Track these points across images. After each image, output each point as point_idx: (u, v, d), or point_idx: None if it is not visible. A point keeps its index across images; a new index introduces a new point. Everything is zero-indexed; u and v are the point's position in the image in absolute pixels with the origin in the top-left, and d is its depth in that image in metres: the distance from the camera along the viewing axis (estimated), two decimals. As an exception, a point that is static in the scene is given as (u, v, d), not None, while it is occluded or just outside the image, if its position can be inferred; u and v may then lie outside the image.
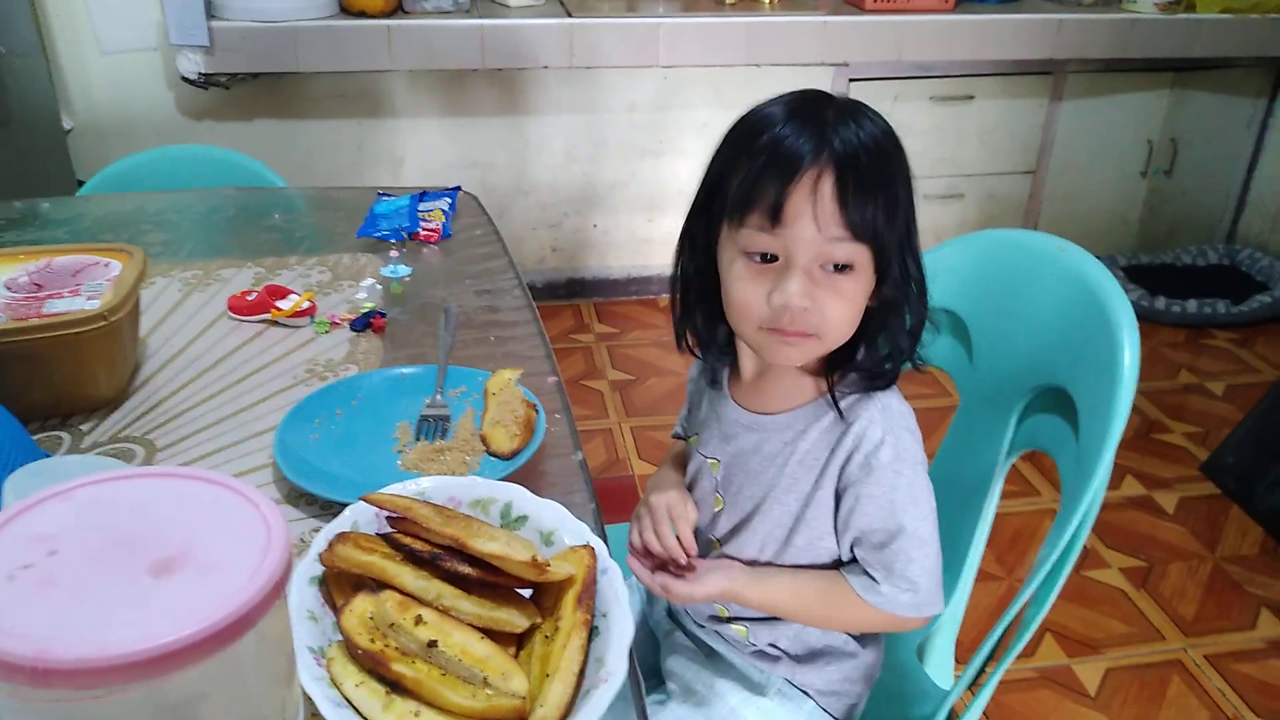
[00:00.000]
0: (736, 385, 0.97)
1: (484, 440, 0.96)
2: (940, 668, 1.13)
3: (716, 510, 0.97)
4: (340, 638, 0.67)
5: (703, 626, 1.03)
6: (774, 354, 0.87)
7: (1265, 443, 2.28)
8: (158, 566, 0.46)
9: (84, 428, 1.01)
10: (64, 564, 0.46)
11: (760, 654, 0.99)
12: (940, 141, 3.13)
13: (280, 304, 1.23)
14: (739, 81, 2.94)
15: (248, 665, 0.48)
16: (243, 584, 0.46)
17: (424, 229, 1.48)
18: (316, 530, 0.85)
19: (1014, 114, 3.14)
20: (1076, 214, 3.36)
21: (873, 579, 0.90)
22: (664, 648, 1.08)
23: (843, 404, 0.89)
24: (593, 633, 0.69)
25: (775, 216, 0.80)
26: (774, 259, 0.83)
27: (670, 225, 3.15)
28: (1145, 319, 3.11)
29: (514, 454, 0.94)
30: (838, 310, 0.83)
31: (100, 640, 0.42)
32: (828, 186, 0.79)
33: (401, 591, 0.69)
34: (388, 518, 0.74)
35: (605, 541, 0.80)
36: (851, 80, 2.94)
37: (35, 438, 0.96)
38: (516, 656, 0.69)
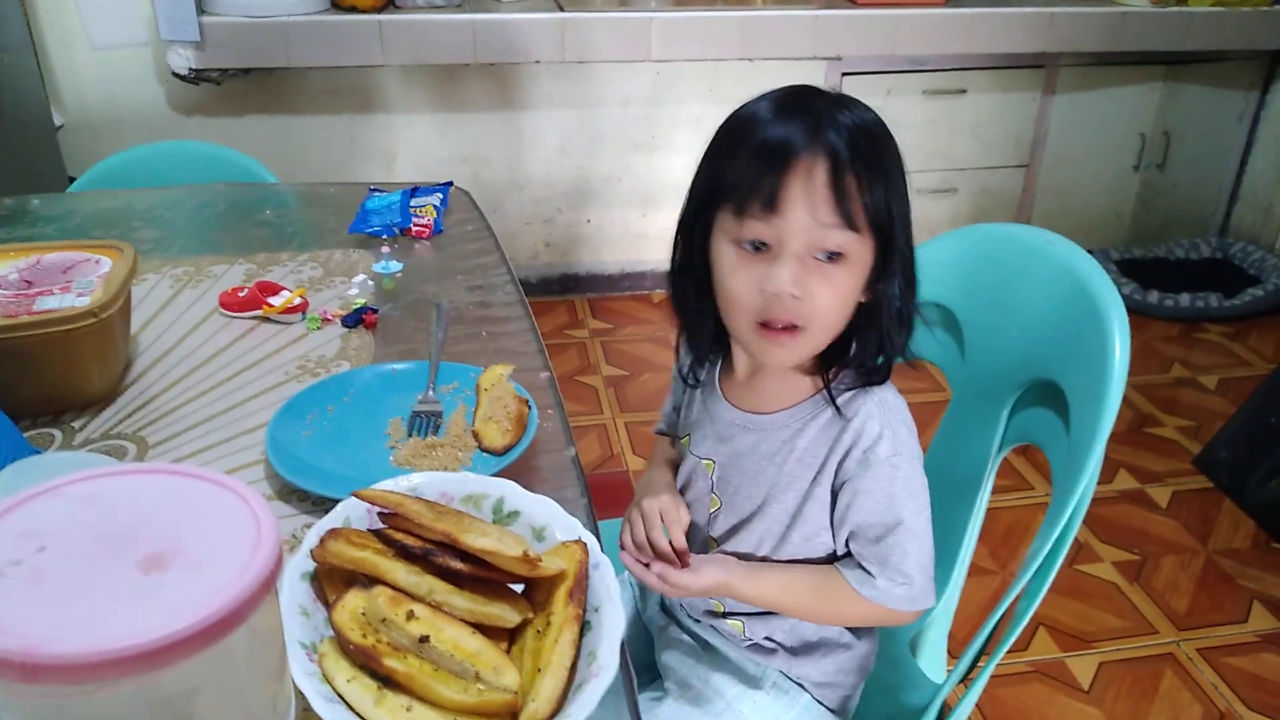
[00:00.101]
0: (730, 385, 0.97)
1: (476, 436, 0.96)
2: (933, 661, 1.13)
3: (713, 510, 0.97)
4: (332, 633, 0.67)
5: (698, 621, 1.03)
6: (765, 355, 0.87)
7: (1257, 436, 2.29)
8: (148, 562, 0.46)
9: (75, 425, 1.00)
10: (54, 560, 0.46)
11: (756, 647, 1.00)
12: (933, 135, 3.13)
13: (272, 300, 1.22)
14: (732, 76, 2.94)
15: (239, 660, 0.48)
16: (233, 579, 0.46)
17: (416, 225, 1.48)
18: (308, 526, 0.85)
19: (1007, 108, 3.15)
20: (1069, 208, 3.37)
21: (868, 573, 0.90)
22: (659, 643, 1.08)
23: (839, 400, 0.89)
24: (584, 627, 0.70)
25: (770, 204, 0.80)
26: (766, 248, 0.83)
27: (664, 220, 3.15)
28: (1138, 313, 3.11)
29: (506, 450, 0.94)
30: (827, 299, 0.83)
31: (90, 636, 0.42)
32: (821, 173, 0.79)
33: (393, 587, 0.69)
34: (379, 513, 0.74)
35: (598, 536, 0.80)
36: (844, 74, 2.94)
37: (27, 435, 0.96)
38: (508, 651, 0.69)
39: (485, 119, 2.94)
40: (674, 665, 1.03)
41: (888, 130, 0.84)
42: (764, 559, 0.95)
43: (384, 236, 1.47)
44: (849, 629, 1.00)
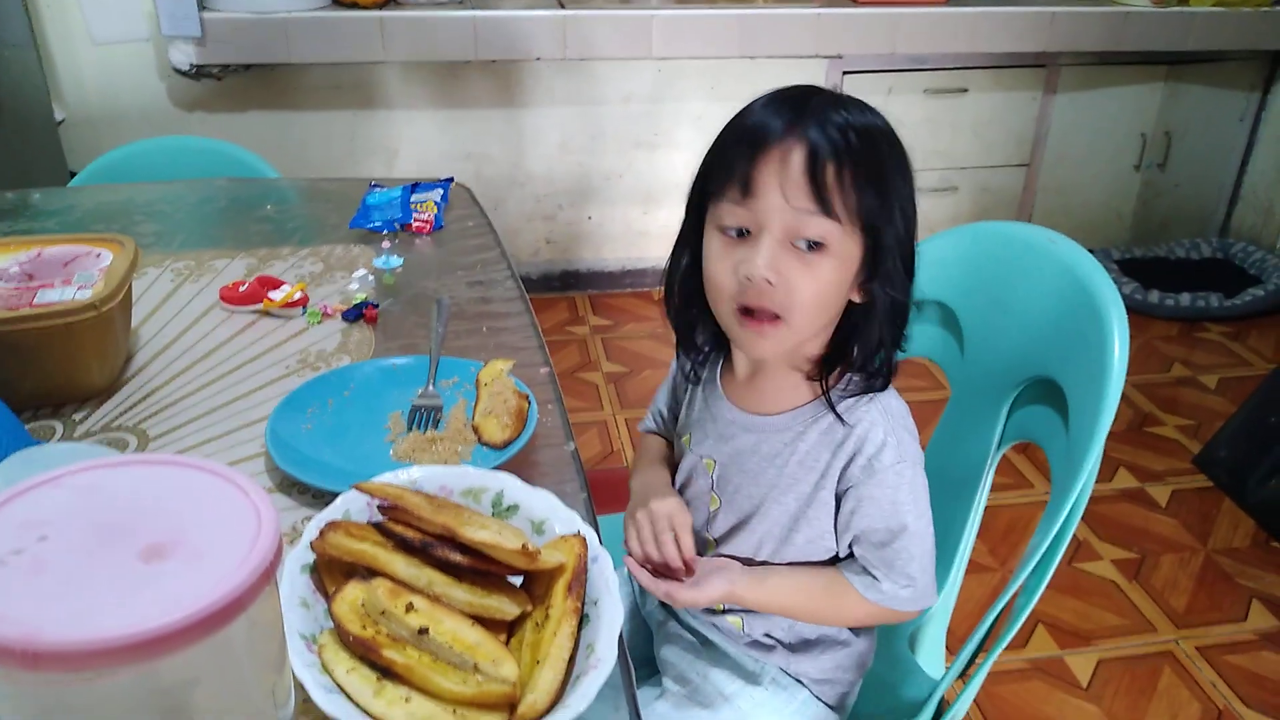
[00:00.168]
0: (731, 385, 0.98)
1: (476, 431, 0.96)
2: (931, 657, 1.13)
3: (713, 509, 0.98)
4: (332, 625, 0.67)
5: (697, 617, 1.03)
6: (747, 345, 0.88)
7: (1257, 436, 2.29)
8: (148, 552, 0.46)
9: (76, 417, 1.01)
10: (55, 549, 0.46)
11: (755, 644, 1.00)
12: (934, 134, 3.13)
13: (272, 294, 1.23)
14: (734, 74, 2.94)
15: (239, 651, 0.49)
16: (233, 570, 0.46)
17: (416, 220, 1.48)
18: (308, 519, 0.85)
19: (1008, 107, 3.15)
20: (1070, 207, 3.37)
21: (873, 576, 0.91)
22: (658, 638, 1.08)
23: (841, 406, 0.89)
24: (583, 620, 0.70)
25: (745, 187, 0.81)
26: (747, 233, 0.83)
27: (665, 217, 3.15)
28: (1138, 312, 3.12)
29: (506, 444, 0.94)
30: (806, 289, 0.83)
31: (91, 624, 0.42)
32: (797, 158, 0.80)
33: (393, 579, 0.69)
34: (379, 506, 0.74)
35: (597, 530, 0.80)
36: (845, 73, 2.94)
37: (28, 427, 0.96)
38: (507, 644, 0.69)
39: (487, 116, 2.94)
40: (673, 661, 1.04)
41: (891, 133, 0.85)
42: (765, 562, 0.96)
43: (385, 232, 1.47)
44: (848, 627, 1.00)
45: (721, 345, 0.99)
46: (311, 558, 0.72)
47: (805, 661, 0.99)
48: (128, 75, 2.69)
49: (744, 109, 0.86)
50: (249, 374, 1.09)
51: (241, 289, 1.24)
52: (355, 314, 1.21)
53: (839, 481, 0.90)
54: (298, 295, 1.23)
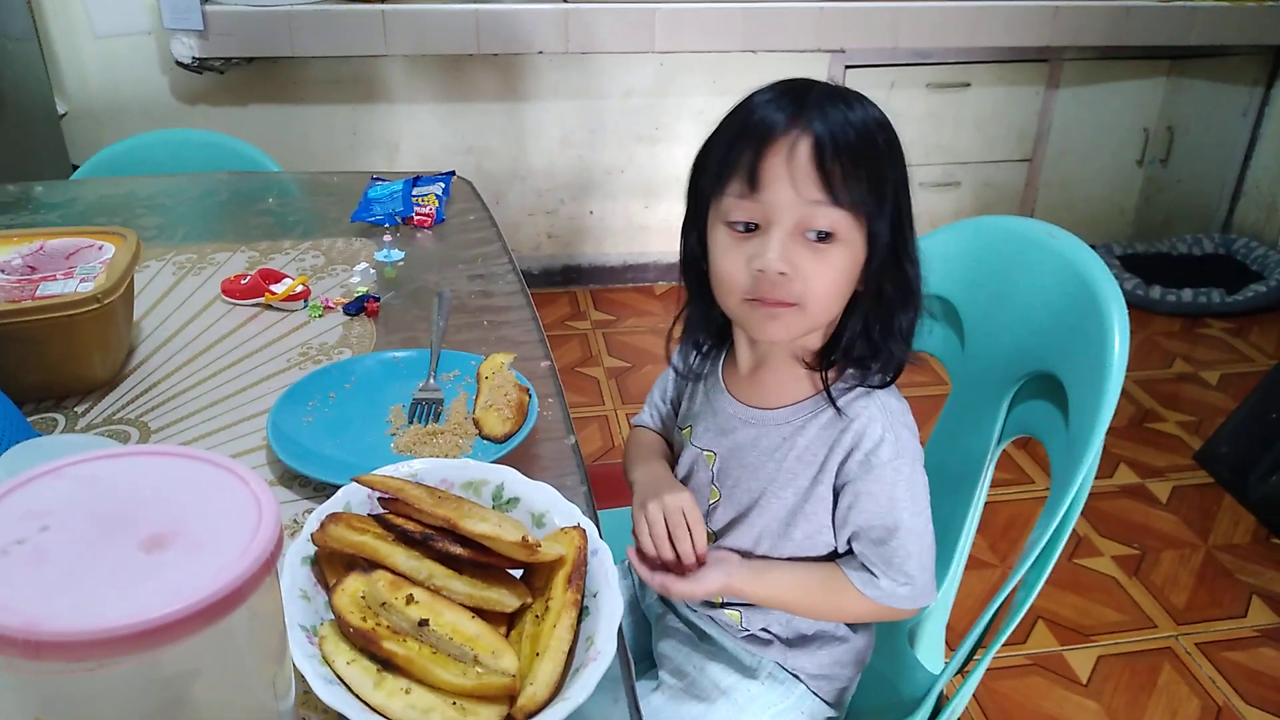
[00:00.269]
0: (733, 378, 0.98)
1: (477, 424, 0.97)
2: (930, 652, 1.13)
3: (712, 502, 0.98)
4: (332, 616, 0.67)
5: (695, 611, 1.03)
6: (757, 328, 0.87)
7: (1258, 432, 2.29)
8: (150, 542, 0.47)
9: (78, 410, 1.01)
10: (56, 539, 0.46)
11: (752, 638, 1.00)
12: (936, 129, 3.13)
13: (274, 288, 1.23)
14: (736, 68, 2.93)
15: (240, 641, 0.49)
16: (233, 560, 0.46)
17: (418, 214, 1.48)
18: (310, 511, 0.85)
19: (1010, 101, 3.14)
20: (1072, 202, 3.37)
21: (871, 573, 0.91)
22: (656, 632, 1.08)
23: (841, 400, 0.89)
24: (583, 612, 0.70)
25: (752, 181, 0.81)
26: (755, 228, 0.83)
27: (667, 212, 3.15)
28: (1140, 308, 3.11)
29: (506, 437, 0.94)
30: (820, 279, 0.83)
31: (92, 614, 0.42)
32: (805, 149, 0.80)
33: (393, 571, 0.69)
34: (380, 499, 0.74)
35: (597, 524, 0.80)
36: (848, 67, 2.93)
37: (30, 420, 0.96)
38: (507, 636, 0.69)
39: (488, 109, 2.94)
40: (670, 654, 1.04)
41: (888, 125, 0.85)
42: (764, 556, 0.96)
43: (386, 225, 1.47)
44: (846, 623, 1.00)
45: (723, 340, 0.99)
46: (312, 550, 0.72)
47: (803, 657, 0.99)
48: (130, 68, 2.69)
49: (741, 104, 0.86)
50: (250, 367, 1.10)
51: (243, 282, 1.24)
52: (356, 307, 1.21)
53: (836, 476, 0.90)
54: (299, 289, 1.23)
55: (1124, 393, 0.89)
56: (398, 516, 0.72)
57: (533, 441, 0.96)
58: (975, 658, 1.00)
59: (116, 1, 2.59)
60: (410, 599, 0.67)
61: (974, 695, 1.63)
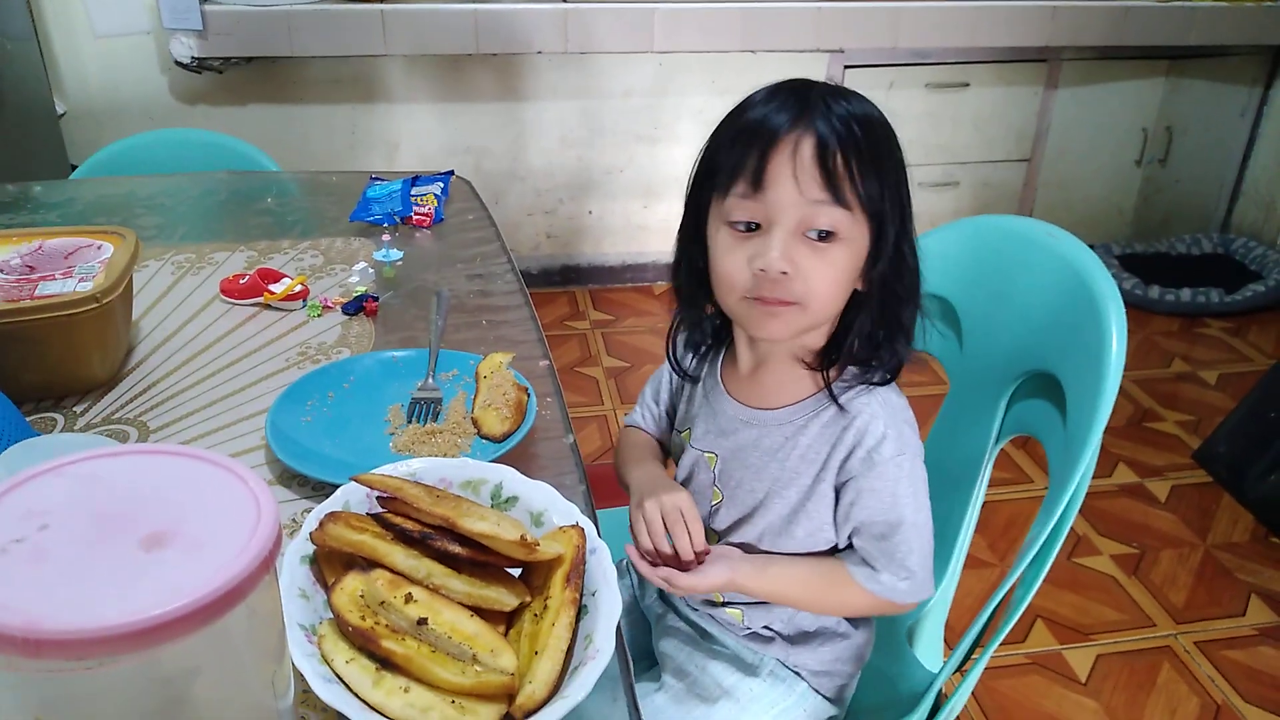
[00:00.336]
0: (733, 379, 0.98)
1: (475, 423, 0.97)
2: (929, 650, 1.13)
3: (715, 504, 0.98)
4: (331, 615, 0.67)
5: (696, 610, 1.03)
6: (758, 326, 0.87)
7: (1256, 431, 2.29)
8: (148, 541, 0.47)
9: (77, 409, 1.01)
10: (55, 538, 0.46)
11: (753, 636, 1.00)
12: (935, 129, 3.13)
13: (273, 287, 1.23)
14: (735, 68, 2.93)
15: (239, 640, 0.49)
16: (232, 559, 0.46)
17: (416, 213, 1.48)
18: (308, 510, 0.85)
19: (1009, 101, 3.14)
20: (1071, 202, 3.37)
21: (872, 568, 0.91)
22: (656, 631, 1.08)
23: (842, 398, 0.90)
24: (581, 611, 0.70)
25: (756, 181, 0.81)
26: (757, 227, 0.84)
27: (666, 211, 3.15)
28: (1139, 308, 3.12)
29: (505, 436, 0.94)
30: (821, 278, 0.83)
31: (91, 612, 0.42)
32: (808, 149, 0.80)
33: (392, 570, 0.69)
34: (378, 498, 0.75)
35: (596, 523, 0.80)
36: (847, 67, 2.94)
37: (29, 419, 0.96)
38: (506, 634, 0.69)
39: (487, 109, 2.94)
40: (671, 653, 1.04)
41: (886, 123, 0.85)
42: (766, 552, 0.96)
43: (385, 225, 1.47)
44: (846, 618, 1.00)
45: (720, 341, 0.99)
46: (311, 549, 0.72)
47: (804, 653, 1.00)
48: (129, 68, 2.69)
49: (741, 104, 0.86)
50: (249, 367, 1.10)
51: (242, 282, 1.24)
52: (355, 307, 1.21)
53: (839, 474, 0.91)
54: (298, 288, 1.23)
55: (1123, 392, 0.90)
56: (396, 515, 0.72)
57: (531, 441, 0.96)
58: (974, 656, 1.00)
59: (116, 1, 2.59)
60: (409, 598, 0.67)
61: (973, 694, 1.64)
